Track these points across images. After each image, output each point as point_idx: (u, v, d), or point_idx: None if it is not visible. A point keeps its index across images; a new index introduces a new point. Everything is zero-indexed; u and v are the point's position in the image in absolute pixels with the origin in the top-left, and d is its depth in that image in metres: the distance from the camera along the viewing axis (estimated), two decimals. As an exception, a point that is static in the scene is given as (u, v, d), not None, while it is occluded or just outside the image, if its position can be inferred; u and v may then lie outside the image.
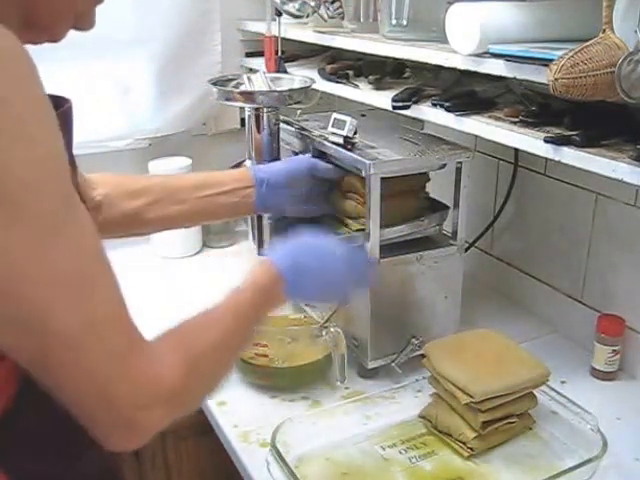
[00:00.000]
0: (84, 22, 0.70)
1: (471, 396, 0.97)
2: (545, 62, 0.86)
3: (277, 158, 1.30)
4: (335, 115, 1.18)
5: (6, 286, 0.55)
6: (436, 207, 1.23)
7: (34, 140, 0.55)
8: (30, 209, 0.55)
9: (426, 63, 1.14)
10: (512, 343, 1.09)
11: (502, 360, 1.04)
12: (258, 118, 1.26)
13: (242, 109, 1.63)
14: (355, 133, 1.16)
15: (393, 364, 1.16)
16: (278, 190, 1.15)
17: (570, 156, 0.89)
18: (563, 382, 1.16)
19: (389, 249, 1.15)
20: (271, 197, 1.15)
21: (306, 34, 1.50)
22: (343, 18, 1.44)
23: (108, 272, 0.61)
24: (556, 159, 0.91)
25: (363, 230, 1.14)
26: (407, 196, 1.20)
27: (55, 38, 0.68)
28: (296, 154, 1.30)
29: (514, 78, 0.97)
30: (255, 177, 1.14)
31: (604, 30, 0.82)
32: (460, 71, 1.08)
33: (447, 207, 1.22)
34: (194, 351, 0.70)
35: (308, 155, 1.22)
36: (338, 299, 1.05)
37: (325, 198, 1.22)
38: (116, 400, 0.61)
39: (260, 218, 1.30)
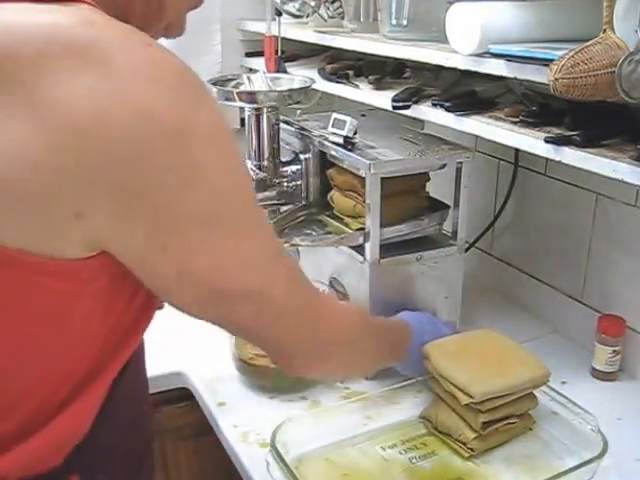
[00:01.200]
0: (174, 29, 0.73)
1: (471, 396, 0.97)
2: (545, 62, 0.86)
3: (277, 158, 1.30)
4: (335, 115, 1.18)
5: (224, 285, 0.64)
6: (436, 206, 1.23)
7: (231, 158, 0.62)
8: (232, 220, 0.62)
9: (426, 63, 1.14)
10: (513, 343, 1.09)
11: (503, 360, 1.04)
12: (258, 118, 1.26)
13: (242, 109, 1.62)
14: (355, 133, 1.16)
15: None
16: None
17: (570, 156, 0.89)
18: (563, 382, 1.15)
19: (389, 249, 1.15)
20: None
21: (306, 34, 1.50)
22: (343, 18, 1.43)
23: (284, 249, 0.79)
24: (556, 159, 0.91)
25: (362, 229, 1.14)
26: (407, 196, 1.20)
27: None
28: (296, 154, 1.30)
29: (514, 78, 0.97)
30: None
31: (604, 30, 0.82)
32: (460, 71, 1.08)
33: (447, 206, 1.22)
34: (367, 330, 0.91)
35: None
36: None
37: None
38: (320, 335, 0.79)
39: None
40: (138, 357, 0.68)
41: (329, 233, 1.20)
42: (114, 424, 0.68)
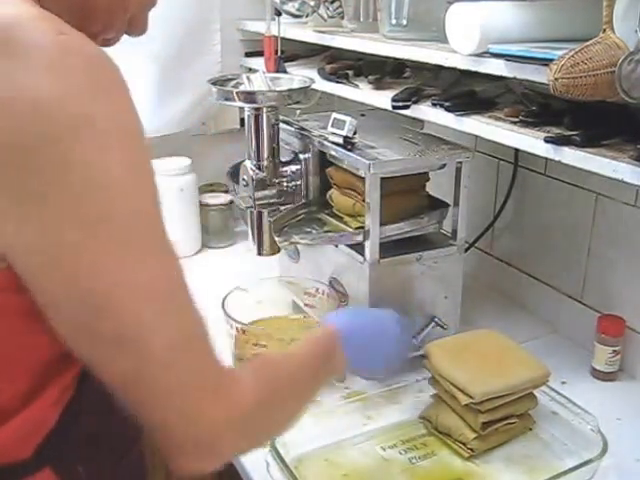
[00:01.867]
0: (136, 27, 0.71)
1: (471, 397, 0.97)
2: (545, 62, 0.86)
3: (276, 158, 1.30)
4: (335, 115, 1.18)
5: (103, 302, 0.55)
6: (436, 205, 1.23)
7: (134, 156, 0.56)
8: (125, 223, 0.55)
9: (426, 63, 1.14)
10: (512, 343, 1.09)
11: (502, 360, 1.04)
12: (258, 118, 1.26)
13: (242, 109, 1.62)
14: (355, 133, 1.16)
15: (414, 339, 1.16)
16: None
17: (570, 156, 0.89)
18: (563, 382, 1.15)
19: (389, 249, 1.14)
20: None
21: (306, 34, 1.50)
22: (343, 18, 1.43)
23: (191, 293, 0.62)
24: (556, 159, 0.91)
25: (362, 228, 1.14)
26: (407, 195, 1.20)
27: (108, 43, 0.69)
28: (296, 154, 1.30)
29: (514, 78, 0.97)
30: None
31: (604, 30, 0.82)
32: (460, 71, 1.08)
33: (447, 205, 1.22)
34: (272, 382, 0.72)
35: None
36: (382, 370, 1.01)
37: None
38: (202, 418, 0.61)
39: (260, 218, 1.30)
40: None
41: (328, 231, 1.20)
42: (91, 414, 0.66)
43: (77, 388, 0.65)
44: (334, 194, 1.23)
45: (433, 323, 1.20)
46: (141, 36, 0.72)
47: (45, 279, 0.55)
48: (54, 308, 0.56)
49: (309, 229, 1.21)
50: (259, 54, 1.66)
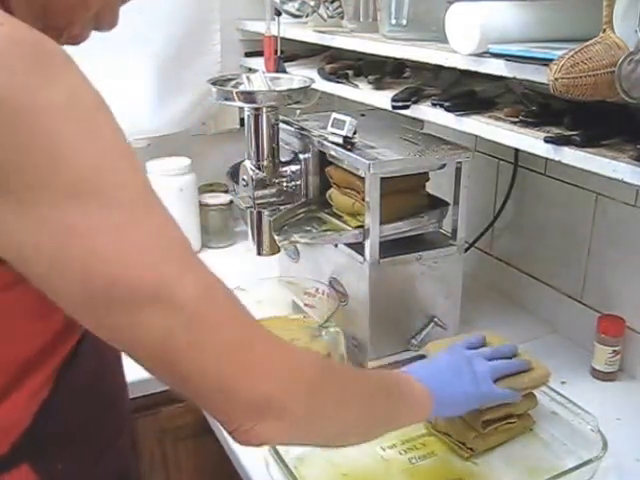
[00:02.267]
0: (103, 22, 0.69)
1: None
2: (545, 62, 0.86)
3: (276, 158, 1.30)
4: (334, 115, 1.18)
5: (114, 270, 0.52)
6: (436, 204, 1.23)
7: (98, 128, 0.56)
8: (111, 195, 0.54)
9: (426, 63, 1.13)
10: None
11: None
12: (257, 118, 1.26)
13: (241, 109, 1.62)
14: (355, 133, 1.16)
15: (412, 340, 1.16)
16: None
17: (570, 156, 0.89)
18: (563, 382, 1.15)
19: (389, 249, 1.15)
20: None
21: (305, 34, 1.49)
22: (343, 18, 1.43)
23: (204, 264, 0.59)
24: (556, 159, 0.91)
25: (362, 227, 1.14)
26: (406, 194, 1.20)
27: (75, 40, 0.68)
28: (295, 154, 1.30)
29: (514, 78, 0.97)
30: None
31: (604, 30, 0.82)
32: (460, 71, 1.08)
33: (447, 204, 1.22)
34: (337, 374, 0.69)
35: None
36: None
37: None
38: (267, 371, 0.59)
39: (259, 218, 1.30)
40: (97, 341, 0.59)
41: (328, 230, 1.20)
42: (69, 411, 0.65)
43: (54, 385, 0.64)
44: (333, 193, 1.23)
45: (432, 323, 1.20)
46: (109, 31, 0.70)
47: (44, 265, 0.53)
48: (66, 296, 0.54)
49: (309, 228, 1.21)
50: (259, 54, 1.66)
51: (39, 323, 0.62)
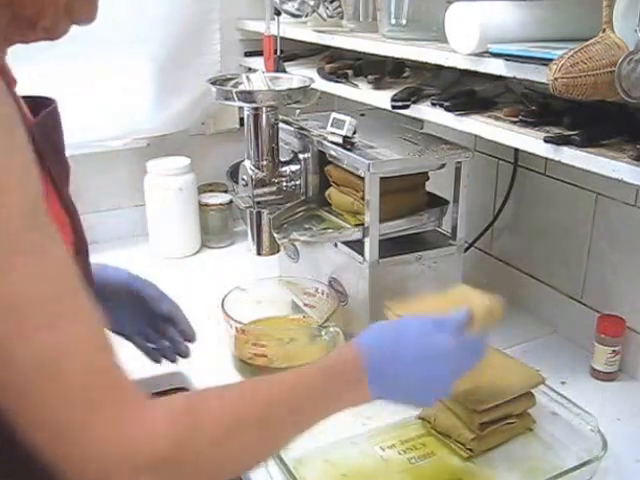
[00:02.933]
0: (77, 14, 0.64)
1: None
2: (545, 61, 0.86)
3: (276, 158, 1.29)
4: (334, 115, 1.18)
5: None
6: (435, 202, 1.23)
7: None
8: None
9: (426, 63, 1.14)
10: (501, 354, 1.09)
11: (497, 369, 1.04)
12: (257, 118, 1.26)
13: (241, 109, 1.62)
14: (354, 133, 1.16)
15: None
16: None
17: (570, 156, 0.89)
18: (563, 382, 1.15)
19: (388, 249, 1.14)
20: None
21: (305, 33, 1.49)
22: (342, 17, 1.43)
23: (84, 303, 0.53)
24: (556, 159, 0.91)
25: (361, 225, 1.13)
26: (406, 193, 1.20)
27: (51, 34, 0.64)
28: (295, 154, 1.30)
29: (514, 78, 0.97)
30: None
31: (604, 29, 0.82)
32: (460, 71, 1.08)
33: (447, 202, 1.22)
34: (208, 416, 0.56)
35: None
36: (436, 399, 0.82)
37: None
38: (83, 462, 0.50)
39: (259, 217, 1.30)
40: None
41: (327, 229, 1.20)
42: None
43: None
44: (332, 192, 1.23)
45: None
46: (88, 24, 0.65)
47: None
48: None
49: (308, 226, 1.22)
50: (258, 54, 1.66)
51: None
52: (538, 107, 1.05)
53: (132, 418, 0.52)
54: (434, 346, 0.73)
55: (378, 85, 1.31)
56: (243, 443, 0.60)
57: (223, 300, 1.16)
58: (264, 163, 1.27)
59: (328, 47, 1.51)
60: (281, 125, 1.30)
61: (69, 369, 0.50)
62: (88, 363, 0.51)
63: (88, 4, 0.64)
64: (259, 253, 1.33)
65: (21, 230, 0.50)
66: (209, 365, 1.20)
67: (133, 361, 0.73)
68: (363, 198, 1.13)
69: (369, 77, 1.33)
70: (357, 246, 1.15)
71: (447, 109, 1.09)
